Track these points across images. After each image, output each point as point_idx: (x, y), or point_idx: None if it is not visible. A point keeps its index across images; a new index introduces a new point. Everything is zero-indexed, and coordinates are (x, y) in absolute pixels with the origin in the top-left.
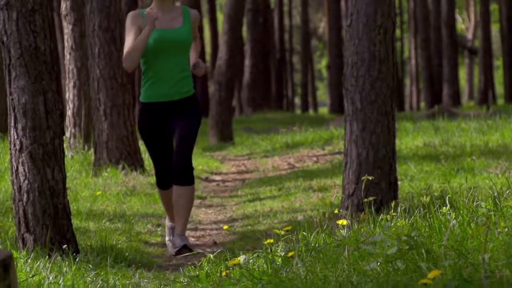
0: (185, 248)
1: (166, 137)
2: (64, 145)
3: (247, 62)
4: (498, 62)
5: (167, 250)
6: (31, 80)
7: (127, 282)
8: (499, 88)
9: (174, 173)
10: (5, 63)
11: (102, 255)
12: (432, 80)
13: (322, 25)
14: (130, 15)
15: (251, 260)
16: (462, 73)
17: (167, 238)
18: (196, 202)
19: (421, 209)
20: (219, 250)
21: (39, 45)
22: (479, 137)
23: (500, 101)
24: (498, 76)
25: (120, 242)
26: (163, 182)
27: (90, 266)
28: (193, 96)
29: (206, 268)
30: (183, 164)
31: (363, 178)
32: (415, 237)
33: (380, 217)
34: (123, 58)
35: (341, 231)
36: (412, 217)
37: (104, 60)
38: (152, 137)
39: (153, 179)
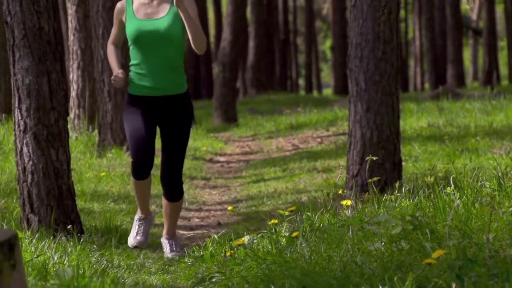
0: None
1: (152, 125)
2: (68, 126)
3: (251, 43)
4: (502, 43)
5: (129, 241)
6: (35, 60)
7: (132, 262)
8: (504, 69)
9: (164, 188)
10: (9, 44)
11: (106, 235)
12: (437, 61)
13: (326, 6)
14: (116, 6)
15: (255, 241)
16: (467, 54)
17: (132, 234)
18: (201, 183)
19: (425, 189)
20: (223, 231)
21: (42, 26)
22: (484, 117)
23: (505, 82)
24: (503, 57)
25: (124, 223)
26: (141, 169)
27: (95, 246)
28: (184, 94)
29: (211, 249)
30: (174, 180)
31: (367, 158)
32: (419, 217)
33: (384, 198)
34: (107, 48)
35: (345, 211)
36: (416, 197)
37: (108, 41)
38: (137, 117)
39: (158, 160)
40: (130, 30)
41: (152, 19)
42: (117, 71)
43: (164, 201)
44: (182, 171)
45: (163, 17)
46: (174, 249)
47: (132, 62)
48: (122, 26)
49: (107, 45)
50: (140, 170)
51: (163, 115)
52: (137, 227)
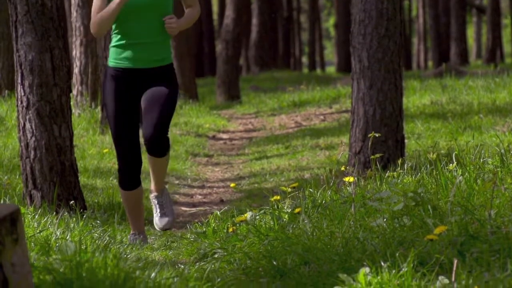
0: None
1: (134, 112)
2: (71, 103)
3: (254, 20)
4: (506, 21)
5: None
6: (37, 36)
7: None
8: (507, 47)
9: (146, 144)
10: (11, 20)
11: (109, 212)
12: (440, 38)
13: None
14: None
15: (257, 217)
16: (470, 32)
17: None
18: (203, 160)
19: (428, 166)
20: (226, 208)
21: (45, 2)
22: (487, 95)
23: (508, 60)
24: (506, 35)
25: None
26: (129, 177)
27: (98, 222)
28: (169, 66)
29: (213, 225)
30: (156, 136)
31: (370, 135)
32: (422, 194)
33: (387, 174)
34: (91, 24)
35: (347, 188)
36: (419, 174)
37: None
38: (118, 108)
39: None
40: None
41: None
42: None
43: (149, 160)
44: (168, 130)
45: None
46: (165, 212)
47: (114, 35)
48: None
49: (92, 18)
50: (130, 179)
51: (144, 87)
52: (132, 241)
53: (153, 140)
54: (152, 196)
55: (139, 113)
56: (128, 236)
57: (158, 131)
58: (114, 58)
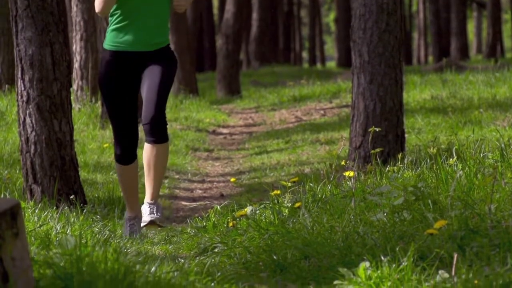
0: (153, 224)
1: (131, 95)
2: (71, 98)
3: (254, 15)
4: (506, 16)
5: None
6: (38, 31)
7: None
8: (508, 42)
9: (145, 129)
10: (12, 14)
11: (109, 206)
12: (440, 33)
13: None
14: None
15: (258, 211)
16: (470, 27)
17: (125, 233)
18: (203, 154)
19: (428, 160)
20: (226, 202)
21: None
22: (487, 90)
23: (508, 55)
24: (507, 30)
25: None
26: (126, 154)
27: (98, 217)
28: (167, 47)
29: (213, 219)
30: (156, 116)
31: (370, 130)
32: (422, 188)
33: (387, 169)
34: (95, 3)
35: (347, 182)
36: (419, 168)
37: None
38: (114, 92)
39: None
40: None
41: None
42: None
43: (145, 154)
44: (165, 113)
45: None
46: (155, 212)
47: (114, 16)
48: None
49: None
50: (127, 155)
51: (142, 67)
52: (129, 228)
53: (153, 121)
54: (144, 204)
55: (137, 91)
56: (124, 218)
57: (157, 111)
58: (113, 41)
